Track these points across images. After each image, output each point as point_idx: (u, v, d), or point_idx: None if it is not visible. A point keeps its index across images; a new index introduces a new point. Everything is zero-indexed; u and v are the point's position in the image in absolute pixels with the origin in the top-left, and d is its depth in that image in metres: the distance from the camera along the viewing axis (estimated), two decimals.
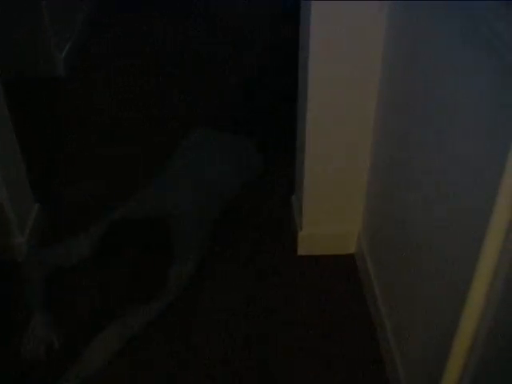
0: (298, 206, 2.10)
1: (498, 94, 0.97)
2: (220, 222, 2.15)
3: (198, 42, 3.57)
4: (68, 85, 3.13)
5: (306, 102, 1.74)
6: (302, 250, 2.09)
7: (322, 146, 1.83)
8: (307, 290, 1.98)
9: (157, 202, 1.99)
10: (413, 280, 1.49)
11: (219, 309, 1.91)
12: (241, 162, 2.29)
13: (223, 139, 2.32)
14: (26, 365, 1.68)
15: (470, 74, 1.09)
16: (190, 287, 1.89)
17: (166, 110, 2.93)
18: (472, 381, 1.16)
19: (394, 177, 1.63)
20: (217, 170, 2.20)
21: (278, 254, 2.11)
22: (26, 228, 2.07)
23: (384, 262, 1.77)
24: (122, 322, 1.70)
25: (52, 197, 2.34)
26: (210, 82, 3.12)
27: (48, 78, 3.14)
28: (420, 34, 1.37)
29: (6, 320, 1.83)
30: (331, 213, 2.00)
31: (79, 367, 1.61)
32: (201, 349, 1.78)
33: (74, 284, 1.89)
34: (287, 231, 2.18)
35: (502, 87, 0.95)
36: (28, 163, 2.12)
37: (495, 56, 0.96)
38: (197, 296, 1.94)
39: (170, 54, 3.45)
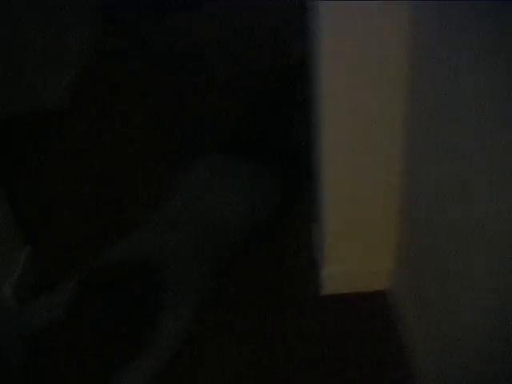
0: (320, 239, 1.87)
1: None
2: (229, 261, 1.93)
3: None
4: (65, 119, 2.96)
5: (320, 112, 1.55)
6: (327, 288, 1.86)
7: (343, 165, 1.62)
8: (334, 333, 1.74)
9: (150, 244, 1.73)
10: (456, 319, 1.26)
11: (231, 359, 1.68)
12: (255, 197, 2.05)
13: (234, 169, 2.08)
14: None
15: None
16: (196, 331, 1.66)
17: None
18: None
19: (430, 204, 1.41)
20: (226, 207, 1.97)
21: (299, 295, 1.88)
22: (14, 273, 1.86)
23: (423, 299, 1.54)
24: None
25: (43, 237, 2.14)
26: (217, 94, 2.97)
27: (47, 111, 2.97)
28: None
29: None
30: (359, 246, 1.77)
31: None
32: None
33: (51, 347, 1.66)
34: (309, 268, 1.96)
35: None
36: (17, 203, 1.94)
37: None
38: (204, 343, 1.71)
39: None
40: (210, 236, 1.86)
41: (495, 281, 1.07)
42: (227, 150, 2.16)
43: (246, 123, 2.37)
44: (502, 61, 0.94)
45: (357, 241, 1.76)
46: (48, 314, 1.60)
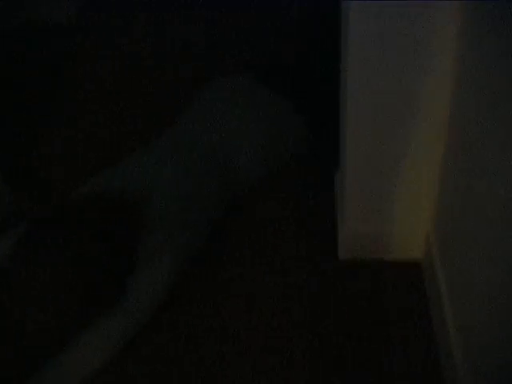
0: (341, 192, 1.56)
1: None
2: (232, 212, 1.63)
3: None
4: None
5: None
6: (344, 252, 1.56)
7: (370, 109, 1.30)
8: (351, 305, 1.45)
9: (134, 175, 1.43)
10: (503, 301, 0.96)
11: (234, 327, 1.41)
12: (279, 133, 1.71)
13: (253, 96, 1.72)
14: None
15: None
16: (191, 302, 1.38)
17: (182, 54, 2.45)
18: None
19: (475, 160, 1.08)
20: (237, 142, 1.64)
21: (312, 260, 1.58)
22: None
23: (462, 272, 1.23)
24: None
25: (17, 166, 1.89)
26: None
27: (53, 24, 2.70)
28: None
29: None
30: (387, 201, 1.46)
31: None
32: None
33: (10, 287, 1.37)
34: (325, 226, 1.65)
35: None
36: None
37: None
38: (205, 311, 1.44)
39: None
40: (211, 175, 1.56)
41: None
42: (249, 72, 1.83)
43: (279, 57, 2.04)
44: None
45: (384, 193, 1.44)
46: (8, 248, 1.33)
